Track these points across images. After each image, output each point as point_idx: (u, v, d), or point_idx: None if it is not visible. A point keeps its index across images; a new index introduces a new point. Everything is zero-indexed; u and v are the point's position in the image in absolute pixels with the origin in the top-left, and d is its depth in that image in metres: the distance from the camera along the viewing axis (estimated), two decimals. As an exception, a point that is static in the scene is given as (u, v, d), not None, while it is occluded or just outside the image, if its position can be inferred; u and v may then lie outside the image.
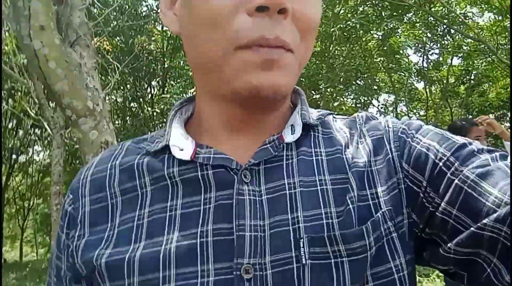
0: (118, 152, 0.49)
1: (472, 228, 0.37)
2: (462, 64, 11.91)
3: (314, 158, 0.45)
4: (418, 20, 9.68)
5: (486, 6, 9.49)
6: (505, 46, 9.59)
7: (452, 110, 12.46)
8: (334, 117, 0.53)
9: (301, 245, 0.39)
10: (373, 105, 13.53)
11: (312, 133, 0.48)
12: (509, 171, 0.38)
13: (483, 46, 8.76)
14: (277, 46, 0.39)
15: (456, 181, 0.39)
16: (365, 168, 0.44)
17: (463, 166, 0.40)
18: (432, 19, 9.03)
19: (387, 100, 14.68)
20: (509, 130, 3.00)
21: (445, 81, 12.09)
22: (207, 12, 0.40)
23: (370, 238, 0.40)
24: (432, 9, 8.87)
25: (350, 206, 0.41)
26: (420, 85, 13.43)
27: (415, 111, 13.93)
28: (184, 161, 0.43)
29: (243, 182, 0.42)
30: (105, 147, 2.07)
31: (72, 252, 0.44)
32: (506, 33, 9.19)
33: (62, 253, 0.46)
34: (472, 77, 12.18)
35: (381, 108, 14.08)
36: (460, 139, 0.43)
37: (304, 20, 0.41)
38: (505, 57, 8.38)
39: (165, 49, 10.18)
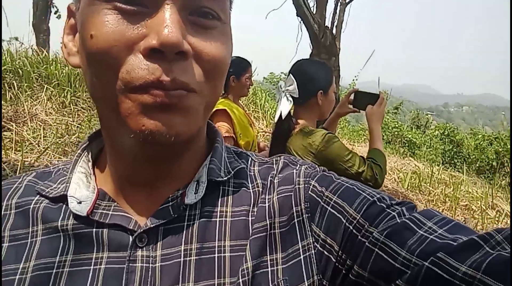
0: (17, 188, 0.46)
1: None
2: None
3: (218, 219, 0.43)
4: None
5: None
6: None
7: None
8: (253, 161, 0.51)
9: None
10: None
11: (221, 187, 0.46)
12: (413, 226, 0.39)
13: None
14: (176, 88, 0.36)
15: (366, 243, 0.39)
16: (266, 232, 0.43)
17: (372, 227, 0.40)
18: None
19: None
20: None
21: None
22: (98, 51, 0.36)
23: None
24: None
25: (241, 279, 0.40)
26: None
27: None
28: (80, 215, 0.41)
29: (137, 246, 0.40)
30: None
31: None
32: None
33: None
34: None
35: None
36: (370, 194, 0.43)
37: (209, 60, 0.38)
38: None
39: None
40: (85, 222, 0.41)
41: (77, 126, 3.92)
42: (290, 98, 1.73)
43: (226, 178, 0.46)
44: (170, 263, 0.40)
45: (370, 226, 0.40)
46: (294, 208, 0.44)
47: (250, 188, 0.47)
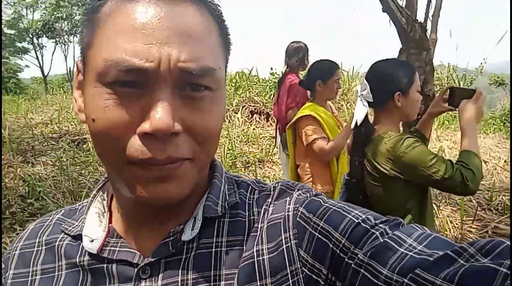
0: (47, 226, 0.53)
1: None
2: None
3: (213, 249, 0.47)
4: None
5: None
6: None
7: None
8: (253, 189, 0.53)
9: None
10: None
11: (216, 220, 0.49)
12: (394, 244, 0.40)
13: None
14: (169, 163, 0.40)
15: (352, 265, 0.41)
16: (253, 259, 0.45)
17: (357, 249, 0.41)
18: None
19: None
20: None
21: None
22: (99, 133, 0.41)
23: None
24: None
25: None
26: None
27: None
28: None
29: (140, 278, 0.45)
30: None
31: None
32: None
33: None
34: None
35: None
36: (355, 216, 0.44)
37: (201, 132, 0.42)
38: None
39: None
40: (97, 259, 0.47)
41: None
42: (366, 103, 1.66)
43: (221, 213, 0.49)
44: None
45: (356, 248, 0.41)
46: (283, 234, 0.46)
47: (246, 217, 0.49)
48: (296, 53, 3.41)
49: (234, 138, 5.94)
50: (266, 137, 6.06)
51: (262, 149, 5.57)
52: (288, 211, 0.48)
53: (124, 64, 0.38)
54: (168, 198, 0.42)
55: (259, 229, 0.48)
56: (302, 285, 0.44)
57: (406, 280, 0.37)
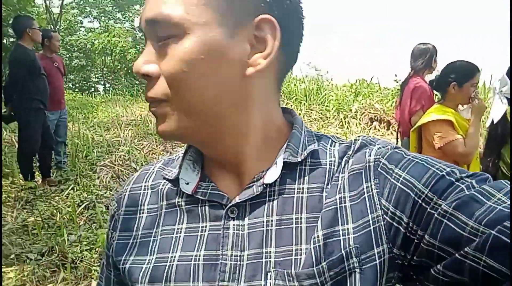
0: (150, 173, 0.60)
1: (456, 255, 0.40)
2: None
3: (295, 195, 0.50)
4: None
5: None
6: None
7: None
8: (334, 142, 0.56)
9: (268, 277, 0.46)
10: None
11: (298, 167, 0.52)
12: (482, 197, 0.40)
13: None
14: (150, 102, 0.48)
15: (435, 215, 0.42)
16: (336, 206, 0.48)
17: (441, 200, 0.42)
18: None
19: None
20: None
21: None
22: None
23: (322, 276, 0.45)
24: None
25: (312, 246, 0.46)
26: None
27: None
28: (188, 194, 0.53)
29: (229, 217, 0.50)
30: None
31: (113, 249, 0.57)
32: None
33: (109, 246, 0.59)
34: None
35: None
36: (440, 168, 0.45)
37: (168, 76, 0.46)
38: None
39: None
40: (191, 200, 0.53)
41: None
42: (505, 100, 1.53)
43: (301, 159, 0.51)
44: (255, 230, 0.49)
45: (439, 199, 0.42)
46: (364, 184, 0.48)
47: (327, 166, 0.52)
48: (422, 55, 3.24)
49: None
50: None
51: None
52: (369, 162, 0.49)
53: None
54: (161, 134, 0.49)
55: (340, 178, 0.50)
56: (383, 231, 0.46)
57: (494, 232, 0.37)
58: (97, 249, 2.89)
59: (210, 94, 0.46)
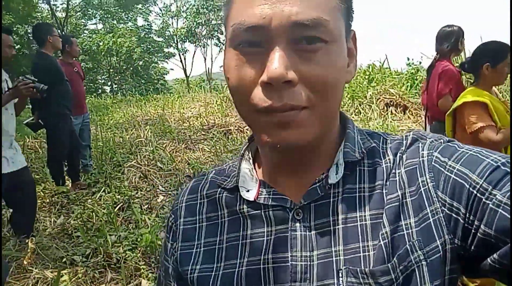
0: (204, 183, 0.61)
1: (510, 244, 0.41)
2: None
3: (357, 194, 0.51)
4: None
5: None
6: None
7: None
8: (385, 139, 0.56)
9: (340, 275, 0.47)
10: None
11: (358, 168, 0.53)
12: None
13: None
14: (287, 110, 0.44)
15: (490, 205, 0.42)
16: (399, 202, 0.49)
17: (496, 190, 0.43)
18: None
19: None
20: None
21: None
22: (233, 83, 0.48)
23: (395, 272, 0.46)
24: None
25: (381, 242, 0.47)
26: None
27: None
28: (250, 200, 0.54)
29: (295, 220, 0.51)
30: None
31: (176, 259, 0.57)
32: None
33: (169, 257, 0.59)
34: None
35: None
36: (494, 159, 0.45)
37: (315, 82, 0.45)
38: None
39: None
40: (254, 206, 0.53)
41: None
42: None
43: (360, 157, 0.53)
44: (322, 230, 0.50)
45: (494, 189, 0.43)
46: (419, 178, 0.49)
47: (383, 164, 0.53)
48: (448, 38, 3.23)
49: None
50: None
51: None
52: (423, 157, 0.50)
53: (244, 24, 0.45)
54: (288, 143, 0.46)
55: (397, 174, 0.51)
56: (443, 223, 0.46)
57: None
58: (139, 248, 2.96)
59: (340, 101, 0.51)
